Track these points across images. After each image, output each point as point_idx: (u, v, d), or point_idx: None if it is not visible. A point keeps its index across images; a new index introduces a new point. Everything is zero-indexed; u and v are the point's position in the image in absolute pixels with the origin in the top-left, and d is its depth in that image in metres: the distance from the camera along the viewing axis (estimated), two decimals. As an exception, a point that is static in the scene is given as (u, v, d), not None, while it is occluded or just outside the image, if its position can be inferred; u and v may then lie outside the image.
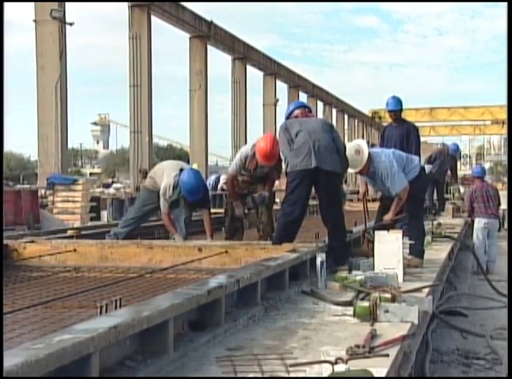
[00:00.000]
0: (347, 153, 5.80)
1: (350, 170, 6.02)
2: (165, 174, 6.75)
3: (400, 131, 8.40)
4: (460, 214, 13.79)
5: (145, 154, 22.23)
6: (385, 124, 27.74)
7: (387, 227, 5.65)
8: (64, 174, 17.65)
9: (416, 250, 5.78)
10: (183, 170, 6.75)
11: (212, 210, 7.82)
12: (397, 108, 8.52)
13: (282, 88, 37.76)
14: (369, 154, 5.81)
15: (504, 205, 18.88)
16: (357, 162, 5.85)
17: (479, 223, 11.23)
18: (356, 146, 5.90)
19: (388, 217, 6.01)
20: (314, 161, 5.41)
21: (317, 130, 5.64)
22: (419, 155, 9.00)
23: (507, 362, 4.74)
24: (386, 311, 3.46)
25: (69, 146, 25.62)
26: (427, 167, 7.34)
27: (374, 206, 8.59)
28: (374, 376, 2.38)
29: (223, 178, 13.67)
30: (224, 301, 3.24)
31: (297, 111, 6.01)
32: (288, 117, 6.04)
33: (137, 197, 7.31)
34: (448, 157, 14.74)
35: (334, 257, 5.30)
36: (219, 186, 9.07)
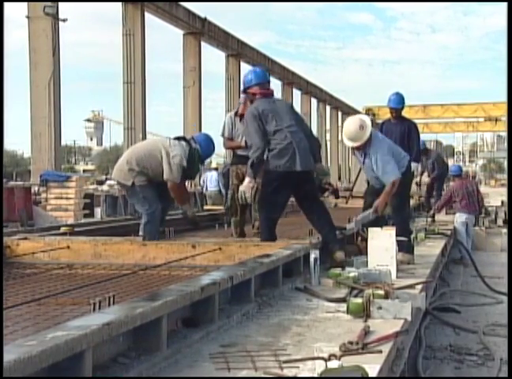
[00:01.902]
0: (350, 125, 5.84)
1: (347, 143, 5.92)
2: (166, 146, 6.12)
3: (400, 128, 8.32)
4: (454, 211, 13.87)
5: (139, 151, 22.18)
6: (379, 121, 27.73)
7: (377, 221, 5.71)
8: (57, 171, 17.61)
9: (406, 247, 5.79)
10: (191, 138, 6.44)
11: (211, 207, 7.79)
12: (399, 106, 8.39)
13: (276, 85, 37.74)
14: (371, 133, 5.78)
15: (497, 202, 19.07)
16: (358, 137, 5.77)
17: (460, 217, 11.52)
18: (361, 121, 5.81)
19: (377, 203, 5.84)
20: (299, 164, 5.43)
21: (295, 129, 5.61)
22: (420, 154, 9.02)
23: (507, 362, 4.75)
24: (379, 308, 3.47)
25: (63, 143, 25.52)
26: (413, 165, 7.29)
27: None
28: (367, 371, 2.38)
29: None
30: (217, 297, 3.24)
31: (257, 88, 5.82)
32: (247, 88, 5.90)
33: (135, 196, 6.19)
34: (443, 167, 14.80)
35: (327, 239, 5.40)
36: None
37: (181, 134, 7.15)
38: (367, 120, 5.91)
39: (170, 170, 6.05)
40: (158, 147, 6.22)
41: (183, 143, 6.26)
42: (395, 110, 8.44)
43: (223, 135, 7.14)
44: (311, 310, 3.75)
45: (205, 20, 26.62)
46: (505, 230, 13.89)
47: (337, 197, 17.87)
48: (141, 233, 6.35)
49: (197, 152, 6.26)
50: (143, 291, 3.92)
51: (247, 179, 5.59)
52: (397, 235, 5.31)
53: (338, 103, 49.17)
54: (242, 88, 6.19)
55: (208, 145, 6.49)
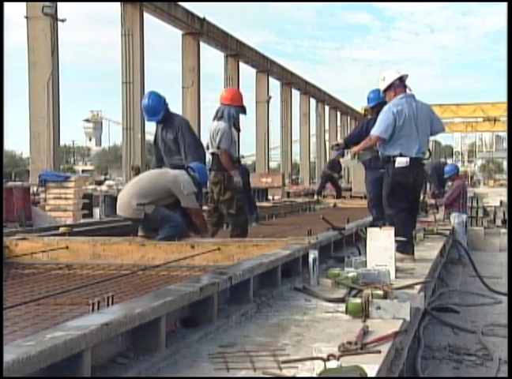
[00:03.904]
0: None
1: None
2: (171, 178, 6.24)
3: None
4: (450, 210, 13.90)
5: (138, 151, 22.22)
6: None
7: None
8: (56, 171, 17.60)
9: (401, 246, 5.80)
10: (188, 167, 6.57)
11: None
12: (371, 104, 8.03)
13: (275, 85, 37.79)
14: (392, 92, 6.14)
15: (495, 202, 19.11)
16: (380, 85, 6.29)
17: (459, 217, 11.54)
18: (385, 74, 6.26)
19: (354, 149, 6.52)
20: None
21: None
22: None
23: (507, 362, 4.75)
24: (378, 308, 3.47)
25: (62, 143, 25.51)
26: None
27: (362, 203, 8.60)
28: (366, 372, 2.38)
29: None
30: (216, 298, 3.24)
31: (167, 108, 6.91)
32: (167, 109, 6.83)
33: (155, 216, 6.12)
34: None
35: None
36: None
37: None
38: (390, 75, 6.21)
39: (185, 198, 6.18)
40: (163, 178, 6.29)
41: (183, 171, 6.41)
42: (371, 109, 8.15)
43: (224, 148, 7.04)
44: (310, 310, 3.75)
45: (203, 20, 26.63)
46: (503, 230, 13.93)
47: (339, 196, 17.86)
48: (140, 233, 6.36)
49: (196, 180, 6.42)
50: (142, 291, 3.92)
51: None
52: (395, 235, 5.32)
53: (337, 103, 49.21)
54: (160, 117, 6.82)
55: (205, 173, 6.70)
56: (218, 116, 7.04)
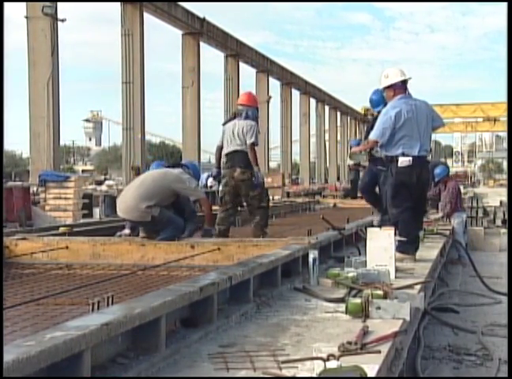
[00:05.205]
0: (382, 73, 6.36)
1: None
2: (175, 177, 6.39)
3: None
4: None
5: (138, 151, 22.22)
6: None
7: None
8: (56, 171, 17.60)
9: (401, 246, 5.80)
10: (183, 165, 6.95)
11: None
12: (378, 107, 7.87)
13: (275, 85, 37.78)
14: (391, 92, 6.17)
15: (495, 202, 19.12)
16: (382, 82, 6.30)
17: (458, 217, 11.52)
18: (389, 72, 6.26)
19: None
20: None
21: None
22: None
23: (507, 362, 4.75)
24: (378, 308, 3.47)
25: (62, 143, 25.52)
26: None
27: (362, 203, 8.60)
28: (366, 372, 2.38)
29: (210, 181, 13.61)
30: (216, 298, 3.24)
31: None
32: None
33: (161, 218, 6.14)
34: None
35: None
36: (208, 184, 9.34)
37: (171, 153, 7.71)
38: (394, 74, 6.22)
39: (193, 191, 6.51)
40: (166, 178, 6.36)
41: (180, 170, 6.76)
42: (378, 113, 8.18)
43: (256, 144, 7.31)
44: (310, 310, 3.75)
45: (203, 20, 26.62)
46: (503, 230, 13.91)
47: (346, 196, 17.69)
48: (141, 234, 6.36)
49: (192, 177, 6.80)
50: (142, 291, 3.93)
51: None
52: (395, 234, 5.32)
53: (337, 103, 49.20)
54: None
55: (198, 171, 7.08)
56: (243, 116, 7.26)
